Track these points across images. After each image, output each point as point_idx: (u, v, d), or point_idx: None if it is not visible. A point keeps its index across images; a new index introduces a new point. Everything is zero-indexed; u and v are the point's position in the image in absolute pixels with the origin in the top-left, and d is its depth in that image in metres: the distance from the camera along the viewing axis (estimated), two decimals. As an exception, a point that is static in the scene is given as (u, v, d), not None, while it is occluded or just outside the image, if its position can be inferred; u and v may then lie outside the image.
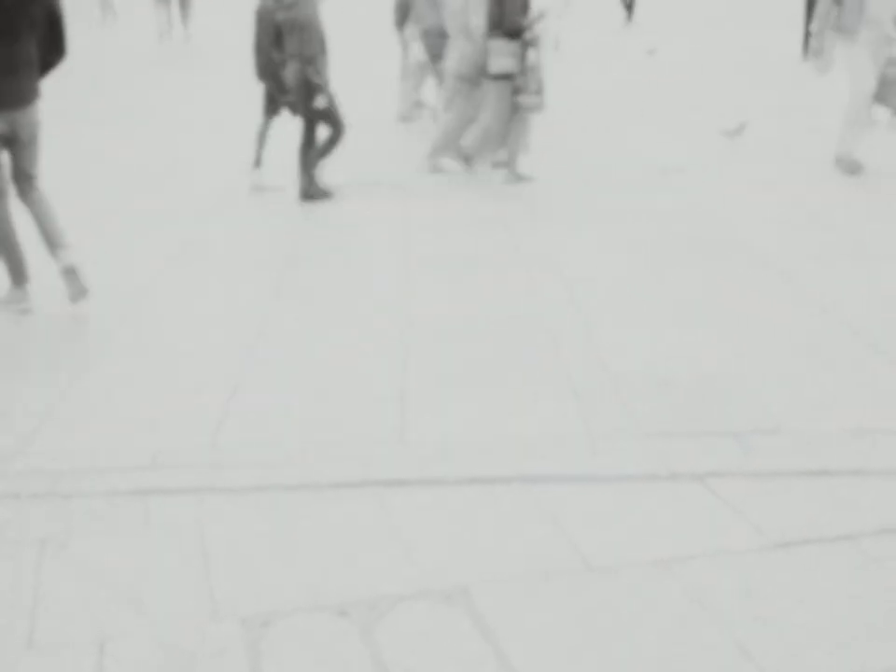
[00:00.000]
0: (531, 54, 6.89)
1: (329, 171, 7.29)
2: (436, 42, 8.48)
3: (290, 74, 6.48)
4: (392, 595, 2.59)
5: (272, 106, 7.08)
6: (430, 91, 9.98)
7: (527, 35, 6.90)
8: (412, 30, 9.35)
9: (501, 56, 6.91)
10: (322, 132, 6.76)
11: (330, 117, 6.65)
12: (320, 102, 6.50)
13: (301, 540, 2.83)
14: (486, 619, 2.49)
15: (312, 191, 6.81)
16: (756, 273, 5.19)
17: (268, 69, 6.82)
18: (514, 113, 7.05)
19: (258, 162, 7.13)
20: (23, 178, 4.58)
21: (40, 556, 2.76)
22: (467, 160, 7.60)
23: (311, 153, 6.75)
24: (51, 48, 4.54)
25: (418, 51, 9.11)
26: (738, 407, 3.66)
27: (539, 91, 6.93)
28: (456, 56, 7.38)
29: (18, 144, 4.48)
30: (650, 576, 2.66)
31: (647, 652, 2.37)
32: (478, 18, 7.09)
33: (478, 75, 7.24)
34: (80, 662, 2.34)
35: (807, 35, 10.54)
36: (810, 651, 2.38)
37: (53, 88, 12.20)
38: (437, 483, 3.14)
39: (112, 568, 2.70)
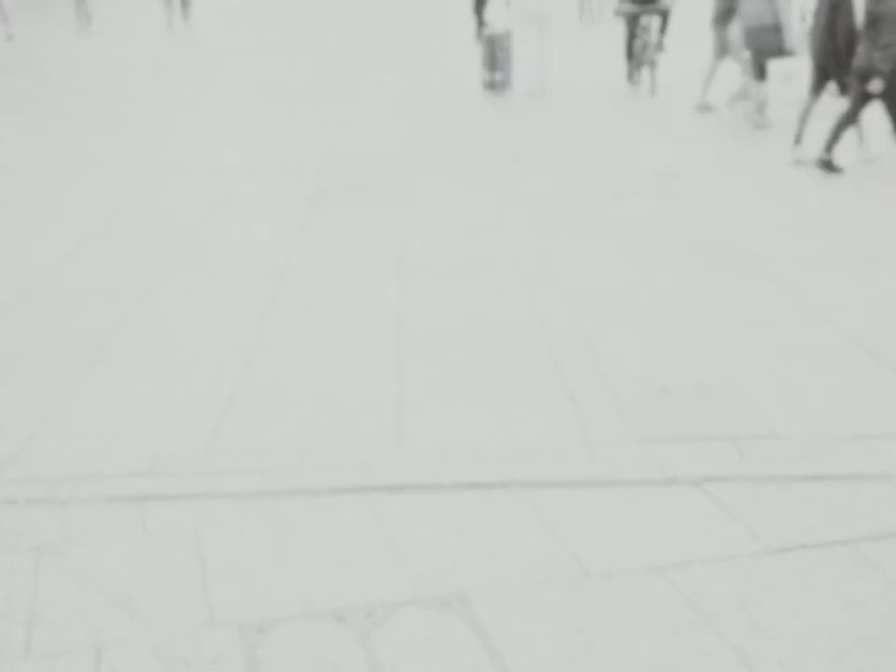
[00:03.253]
0: None
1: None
2: (762, 37, 9.09)
3: (859, 57, 7.12)
4: (389, 601, 2.59)
5: (820, 85, 7.79)
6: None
7: None
8: (735, 27, 9.99)
9: None
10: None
11: (890, 100, 7.19)
12: (875, 86, 7.09)
13: (298, 546, 2.83)
14: (484, 625, 2.49)
15: (829, 163, 7.44)
16: (753, 279, 5.20)
17: (830, 49, 7.52)
18: None
19: (798, 139, 7.82)
20: None
21: (37, 563, 2.76)
22: None
23: (844, 131, 7.33)
24: None
25: (737, 48, 9.90)
26: (735, 412, 3.66)
27: None
28: None
29: None
30: (647, 582, 2.66)
31: (644, 658, 2.37)
32: None
33: None
34: (77, 669, 2.34)
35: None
36: (807, 658, 2.38)
37: (56, 95, 12.23)
38: (434, 488, 3.14)
39: (109, 575, 2.70)
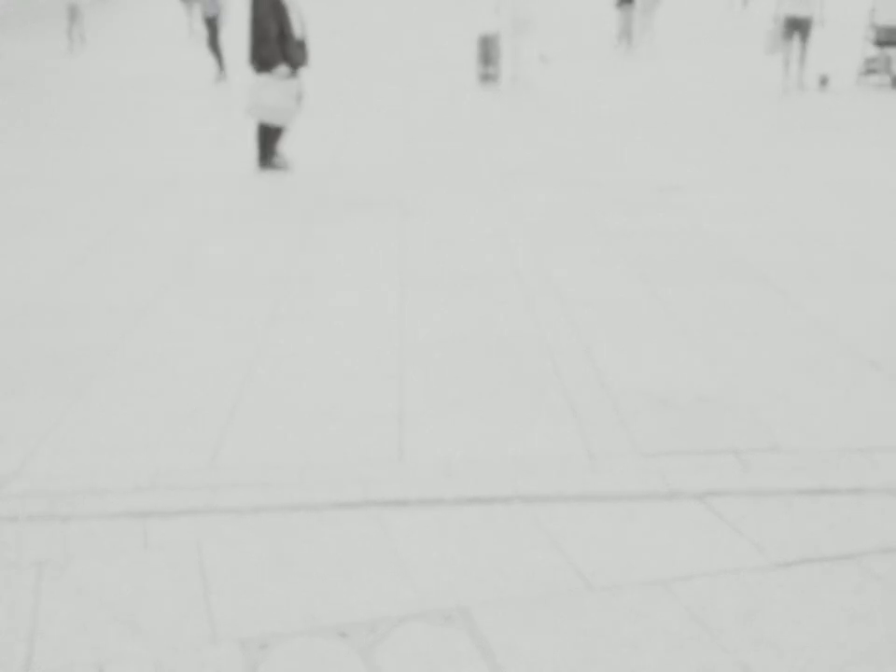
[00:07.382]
0: None
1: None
2: None
3: None
4: (392, 616, 2.57)
5: None
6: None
7: None
8: None
9: None
10: None
11: None
12: None
13: (300, 561, 2.82)
14: (487, 640, 2.48)
15: None
16: (754, 291, 5.20)
17: None
18: None
19: None
20: None
21: (38, 579, 2.75)
22: None
23: None
24: None
25: None
26: (737, 425, 3.66)
27: None
28: None
29: None
30: (650, 596, 2.65)
31: (648, 673, 2.36)
32: None
33: None
34: (79, 685, 2.33)
35: None
36: None
37: (53, 110, 12.26)
38: (436, 503, 3.13)
39: (111, 591, 2.69)
